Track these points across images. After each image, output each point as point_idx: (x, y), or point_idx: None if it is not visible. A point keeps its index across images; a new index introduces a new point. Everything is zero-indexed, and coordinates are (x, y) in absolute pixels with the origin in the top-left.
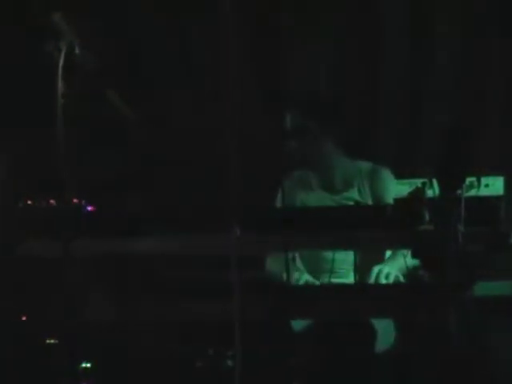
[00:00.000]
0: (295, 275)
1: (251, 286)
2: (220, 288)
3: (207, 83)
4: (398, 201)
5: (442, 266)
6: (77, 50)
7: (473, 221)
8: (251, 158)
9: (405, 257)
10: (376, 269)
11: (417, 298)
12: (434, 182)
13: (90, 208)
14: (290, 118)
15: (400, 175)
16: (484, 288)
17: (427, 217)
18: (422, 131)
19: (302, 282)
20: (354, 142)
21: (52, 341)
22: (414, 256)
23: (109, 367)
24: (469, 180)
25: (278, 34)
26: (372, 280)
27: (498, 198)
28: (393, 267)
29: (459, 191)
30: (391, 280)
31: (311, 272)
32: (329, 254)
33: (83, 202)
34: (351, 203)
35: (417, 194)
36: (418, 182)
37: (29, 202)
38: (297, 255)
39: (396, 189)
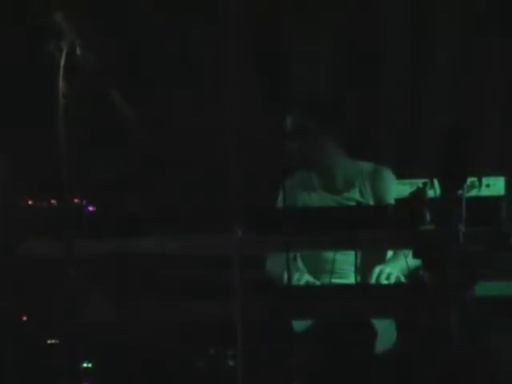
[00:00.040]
0: (296, 275)
1: (252, 285)
2: (220, 288)
3: (207, 83)
4: (399, 201)
5: (443, 266)
6: (78, 50)
7: (474, 221)
8: (251, 158)
9: (406, 257)
10: (377, 269)
11: (418, 298)
12: (435, 182)
13: (90, 208)
14: (290, 118)
15: (401, 175)
16: (485, 288)
17: (428, 217)
18: (423, 131)
19: (302, 282)
20: (354, 142)
21: (52, 341)
22: (415, 256)
23: (109, 367)
24: (470, 180)
25: (278, 34)
26: (373, 280)
27: (498, 198)
28: (394, 267)
29: (460, 191)
30: (392, 280)
31: (312, 272)
32: (330, 255)
33: (84, 201)
34: (352, 203)
35: (418, 194)
36: (419, 182)
37: (30, 202)
38: (298, 255)
39: (397, 189)
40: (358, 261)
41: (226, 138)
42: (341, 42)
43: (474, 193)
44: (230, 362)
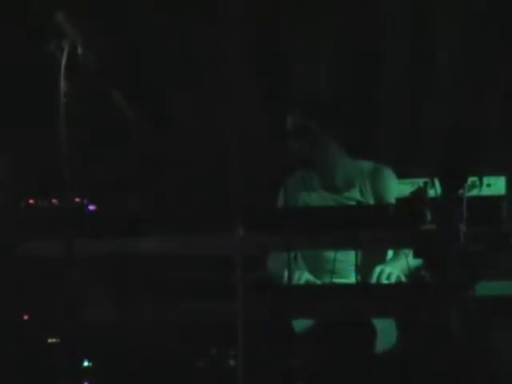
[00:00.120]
0: (296, 274)
1: (252, 285)
2: (221, 288)
3: (207, 83)
4: (400, 200)
5: (444, 266)
6: (79, 50)
7: (475, 220)
8: (252, 158)
9: (407, 256)
10: (378, 269)
11: (418, 297)
12: (436, 181)
13: (91, 207)
14: (291, 118)
15: (402, 175)
16: (486, 288)
17: (429, 216)
18: (423, 131)
19: (303, 282)
20: (354, 142)
21: (53, 340)
22: (415, 256)
23: (109, 367)
24: (470, 180)
25: (278, 34)
26: (373, 280)
27: (499, 197)
28: (395, 267)
29: (461, 191)
30: (393, 280)
31: (312, 272)
32: (330, 254)
33: (85, 201)
34: (353, 203)
35: (419, 193)
36: (420, 181)
37: (31, 202)
38: (298, 254)
39: (398, 188)
40: (359, 260)
41: (226, 137)
42: (341, 41)
43: (474, 192)
44: (231, 362)
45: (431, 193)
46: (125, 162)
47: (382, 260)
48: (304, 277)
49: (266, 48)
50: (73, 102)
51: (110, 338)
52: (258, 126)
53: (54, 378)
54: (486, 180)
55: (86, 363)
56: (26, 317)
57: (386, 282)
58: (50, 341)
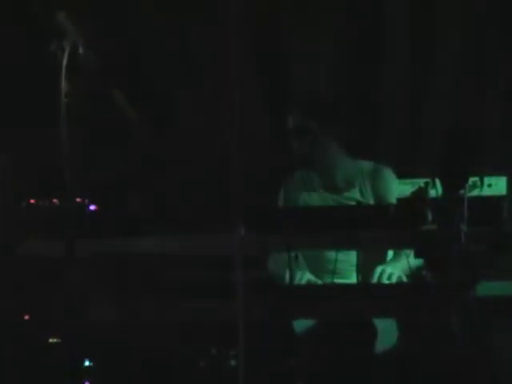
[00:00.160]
0: (298, 274)
1: (253, 285)
2: (221, 288)
3: (207, 83)
4: (401, 201)
5: (445, 266)
6: (80, 50)
7: (476, 221)
8: (251, 158)
9: (408, 257)
10: (379, 269)
11: (420, 297)
12: (437, 181)
13: (92, 207)
14: (291, 118)
15: (403, 175)
16: (487, 288)
17: (430, 217)
18: (423, 131)
19: (304, 282)
20: (354, 142)
21: (54, 340)
22: (416, 256)
23: (110, 367)
24: (472, 180)
25: (278, 34)
26: (374, 280)
27: (500, 197)
28: (395, 267)
29: (462, 191)
30: (394, 280)
31: (314, 272)
32: (331, 254)
33: (86, 201)
34: (353, 203)
35: (420, 193)
36: (421, 181)
37: (32, 201)
38: (299, 254)
39: (399, 188)
40: (360, 261)
41: (226, 137)
42: (341, 41)
43: (475, 192)
44: (232, 362)
45: (432, 193)
46: (125, 162)
47: (382, 260)
48: (305, 277)
49: (266, 48)
50: (74, 102)
51: (110, 338)
52: (258, 125)
53: (54, 378)
54: (487, 180)
55: (86, 363)
56: (26, 317)
57: (387, 282)
58: (50, 341)
